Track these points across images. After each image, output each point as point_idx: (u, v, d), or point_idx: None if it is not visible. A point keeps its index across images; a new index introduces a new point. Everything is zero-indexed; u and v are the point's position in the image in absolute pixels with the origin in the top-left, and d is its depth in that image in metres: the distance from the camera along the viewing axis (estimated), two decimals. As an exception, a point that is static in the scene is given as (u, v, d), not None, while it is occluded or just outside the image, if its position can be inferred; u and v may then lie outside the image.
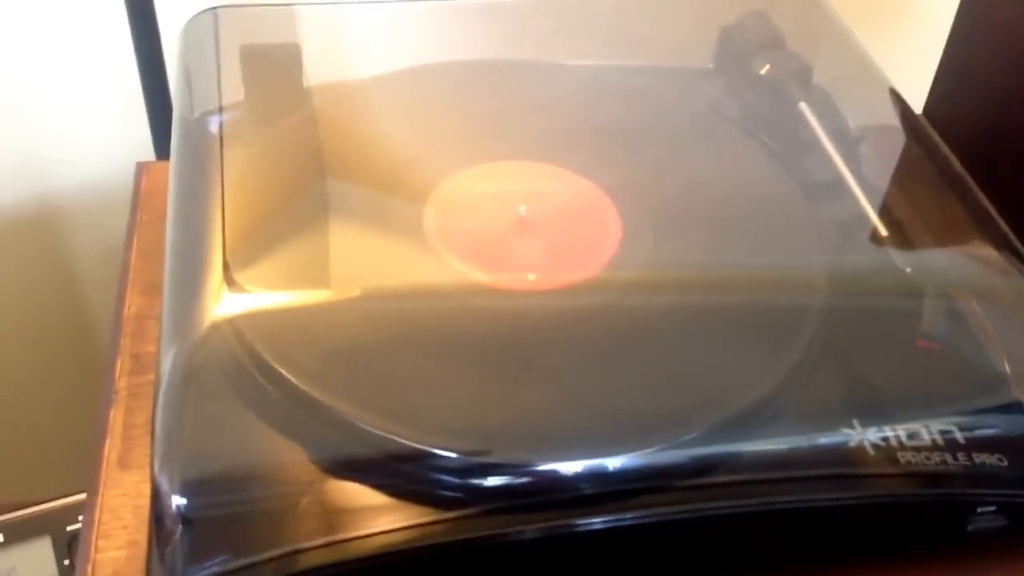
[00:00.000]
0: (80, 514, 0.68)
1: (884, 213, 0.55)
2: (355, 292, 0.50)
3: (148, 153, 0.82)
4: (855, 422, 0.45)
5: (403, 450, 0.43)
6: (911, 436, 0.45)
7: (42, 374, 1.05)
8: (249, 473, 0.43)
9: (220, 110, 0.57)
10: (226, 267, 0.48)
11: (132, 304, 0.59)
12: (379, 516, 0.42)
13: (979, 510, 0.46)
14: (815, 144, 0.58)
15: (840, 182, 0.56)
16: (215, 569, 0.41)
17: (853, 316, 0.51)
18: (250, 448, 0.43)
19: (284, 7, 0.66)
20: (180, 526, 0.41)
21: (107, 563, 0.47)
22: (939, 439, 0.46)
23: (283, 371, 0.45)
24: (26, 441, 1.08)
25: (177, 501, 0.41)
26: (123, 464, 0.51)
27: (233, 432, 0.44)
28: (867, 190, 0.56)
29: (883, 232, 0.54)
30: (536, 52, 0.66)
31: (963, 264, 0.54)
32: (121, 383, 0.54)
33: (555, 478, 0.43)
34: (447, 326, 0.49)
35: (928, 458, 0.45)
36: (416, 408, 0.45)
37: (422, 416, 0.44)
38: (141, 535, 0.48)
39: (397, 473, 0.43)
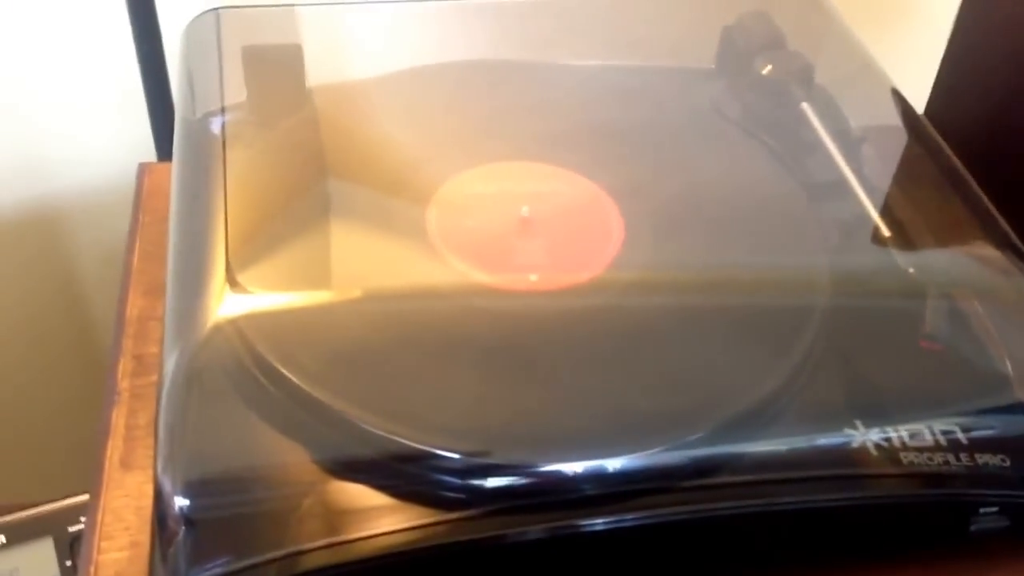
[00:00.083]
0: (82, 515, 0.68)
1: (886, 213, 0.55)
2: (357, 293, 0.50)
3: (149, 154, 0.82)
4: (857, 422, 0.45)
5: (405, 451, 0.43)
6: (913, 436, 0.45)
7: (44, 375, 1.05)
8: (252, 474, 0.43)
9: (222, 111, 0.58)
10: (228, 268, 0.48)
11: (134, 305, 0.59)
12: (381, 517, 0.42)
13: (981, 511, 0.46)
14: (817, 144, 0.58)
15: (842, 182, 0.56)
16: (218, 570, 0.41)
17: (855, 316, 0.51)
18: (253, 449, 0.43)
19: (286, 8, 0.66)
20: (183, 527, 0.41)
21: (109, 564, 0.47)
22: (941, 439, 0.46)
23: (286, 372, 0.45)
24: (28, 442, 1.08)
25: (180, 502, 0.41)
26: (125, 465, 0.51)
27: (236, 433, 0.44)
28: (869, 190, 0.56)
29: (885, 232, 0.54)
30: (538, 52, 0.66)
31: (965, 264, 0.54)
32: (123, 384, 0.54)
33: (557, 479, 0.43)
34: (449, 327, 0.49)
35: (930, 458, 0.45)
36: (419, 409, 0.45)
37: (425, 417, 0.44)
38: (143, 536, 0.48)
39: (399, 474, 0.43)
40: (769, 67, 0.62)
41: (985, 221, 0.55)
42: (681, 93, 0.64)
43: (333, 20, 0.67)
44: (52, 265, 0.99)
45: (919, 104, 0.68)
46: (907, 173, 0.59)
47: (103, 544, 0.48)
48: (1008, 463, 0.46)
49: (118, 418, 0.53)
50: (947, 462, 0.45)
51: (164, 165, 0.67)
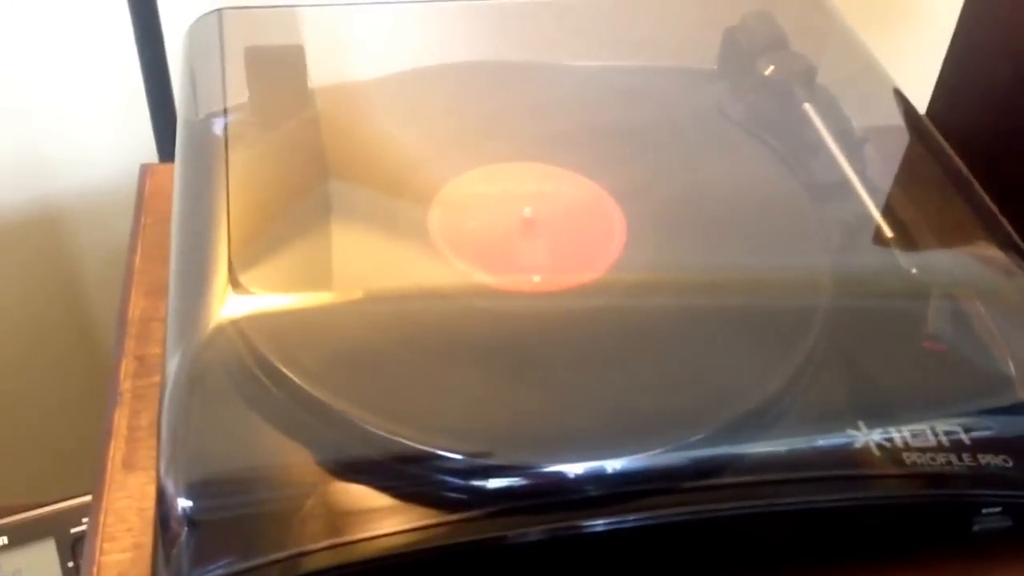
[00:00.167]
0: (84, 516, 0.68)
1: (888, 214, 0.55)
2: (359, 294, 0.50)
3: (151, 155, 0.82)
4: (860, 423, 0.45)
5: (408, 452, 0.43)
6: (916, 437, 0.45)
7: (46, 376, 1.05)
8: (254, 475, 0.43)
9: (224, 112, 0.58)
10: (231, 269, 0.48)
11: (136, 306, 0.59)
12: (384, 518, 0.42)
13: (984, 511, 0.46)
14: (819, 145, 0.58)
15: (844, 183, 0.56)
16: (220, 571, 0.41)
17: (858, 317, 0.51)
18: (255, 450, 0.43)
19: (288, 9, 0.66)
20: (185, 528, 0.41)
21: (112, 566, 0.47)
22: (944, 440, 0.46)
23: (288, 373, 0.45)
24: (30, 442, 1.08)
25: (183, 503, 0.41)
26: (128, 466, 0.51)
27: (238, 434, 0.44)
28: (871, 191, 0.56)
29: (888, 233, 0.54)
30: (540, 53, 0.66)
31: (967, 265, 0.54)
32: (125, 385, 0.54)
33: (560, 480, 0.43)
34: (452, 328, 0.49)
35: (933, 459, 0.45)
36: (421, 410, 0.45)
37: (427, 418, 0.44)
38: (146, 537, 0.48)
39: (402, 475, 0.43)
40: (771, 68, 0.62)
41: (987, 221, 0.55)
42: (683, 94, 0.64)
43: (335, 21, 0.67)
44: (54, 266, 0.99)
45: (921, 105, 0.68)
46: (909, 174, 0.59)
47: (105, 545, 0.48)
48: (1011, 463, 0.46)
49: (120, 419, 0.53)
50: (950, 462, 0.45)
51: (166, 166, 0.67)
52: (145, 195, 0.66)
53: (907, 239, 0.54)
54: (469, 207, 0.54)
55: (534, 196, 0.55)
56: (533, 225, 0.53)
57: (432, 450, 0.43)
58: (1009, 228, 0.54)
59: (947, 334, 0.50)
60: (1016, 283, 0.52)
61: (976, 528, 0.47)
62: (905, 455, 0.45)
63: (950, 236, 0.56)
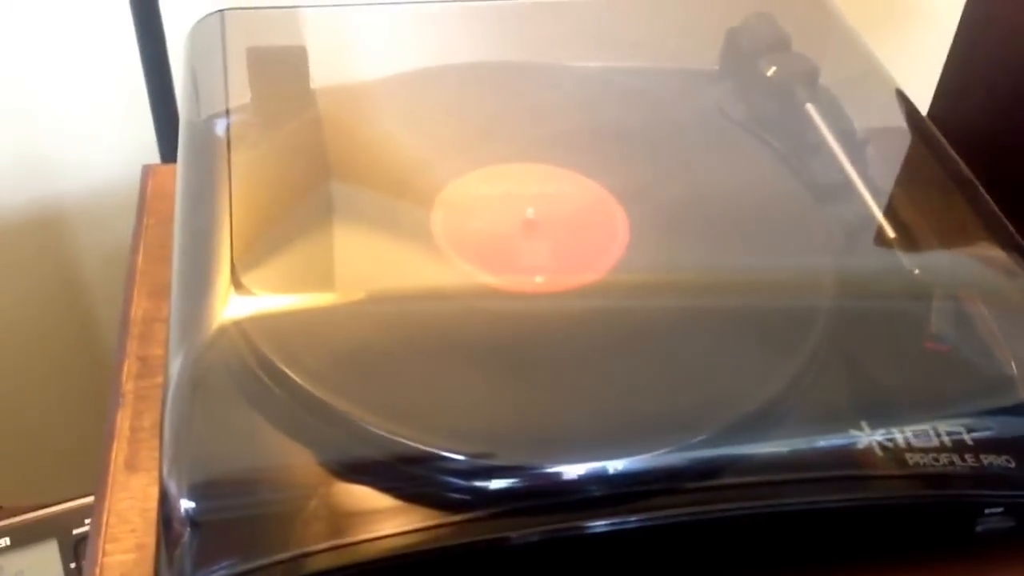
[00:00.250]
0: (87, 517, 0.68)
1: (890, 214, 0.55)
2: (362, 295, 0.50)
3: (153, 156, 0.82)
4: (863, 423, 0.45)
5: (411, 453, 0.43)
6: (919, 437, 0.45)
7: (47, 376, 1.05)
8: (257, 476, 0.43)
9: (227, 112, 0.58)
10: (233, 270, 0.48)
11: (139, 307, 0.59)
12: (387, 519, 0.42)
13: (987, 511, 0.46)
14: (821, 146, 0.58)
15: (846, 184, 0.56)
16: (223, 572, 0.41)
17: (860, 318, 0.51)
18: (258, 451, 0.44)
19: (290, 10, 0.66)
20: (188, 529, 0.41)
21: (115, 567, 0.47)
22: (947, 440, 0.46)
23: (291, 374, 0.45)
24: (32, 443, 1.08)
25: (185, 504, 0.41)
26: (130, 467, 0.51)
27: (241, 435, 0.44)
28: (874, 192, 0.56)
29: (890, 234, 0.54)
30: (542, 54, 0.66)
31: (970, 265, 0.54)
32: (128, 386, 0.54)
33: (563, 481, 0.43)
34: (454, 328, 0.49)
35: (936, 459, 0.45)
36: (424, 411, 0.45)
37: (430, 419, 0.44)
38: (149, 538, 0.48)
39: (405, 476, 0.43)
40: (773, 69, 0.62)
41: (989, 222, 0.55)
42: (685, 94, 0.64)
43: (337, 22, 0.67)
44: (56, 266, 0.99)
45: (923, 105, 0.68)
46: (911, 174, 0.59)
47: (108, 547, 0.48)
48: (1013, 464, 0.46)
49: (123, 420, 0.53)
50: (952, 463, 0.45)
51: (168, 167, 0.67)
52: (147, 196, 0.66)
53: (909, 240, 0.54)
54: (471, 208, 0.54)
55: (536, 197, 0.55)
56: (535, 226, 0.53)
57: (435, 451, 0.43)
58: (1011, 228, 0.54)
59: (950, 335, 0.50)
60: (1018, 283, 0.52)
61: (979, 529, 0.47)
62: (908, 456, 0.45)
63: (952, 237, 0.56)
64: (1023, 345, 0.49)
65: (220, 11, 0.64)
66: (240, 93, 0.59)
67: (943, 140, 0.59)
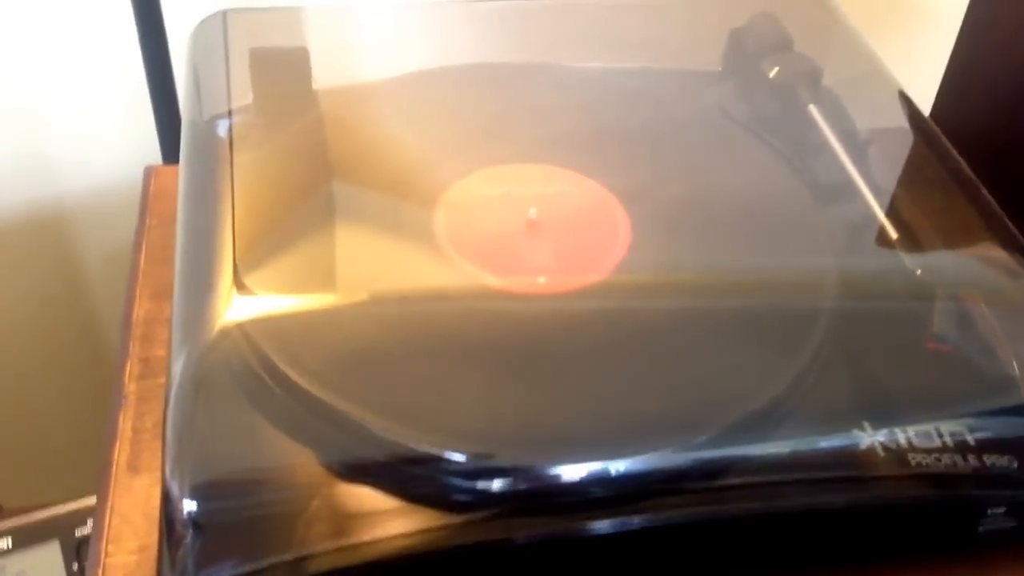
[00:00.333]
0: (89, 518, 0.68)
1: (893, 215, 0.55)
2: (365, 295, 0.50)
3: (154, 157, 0.82)
4: (865, 424, 0.45)
5: (413, 454, 0.43)
6: (921, 438, 0.45)
7: (49, 377, 1.05)
8: (259, 477, 0.43)
9: (229, 113, 0.58)
10: (236, 271, 0.48)
11: (141, 308, 0.59)
12: (390, 520, 0.42)
13: (989, 511, 0.46)
14: (824, 146, 0.58)
15: (849, 184, 0.56)
16: (226, 573, 0.41)
17: (863, 318, 0.51)
18: (260, 452, 0.44)
19: (293, 10, 0.66)
20: (191, 530, 0.41)
21: (117, 568, 0.47)
22: (949, 441, 0.46)
23: (293, 375, 0.45)
24: (34, 444, 1.08)
25: (188, 506, 0.41)
26: (132, 468, 0.51)
27: (243, 436, 0.44)
28: (876, 192, 0.56)
29: (892, 234, 0.54)
30: (545, 55, 0.66)
31: (972, 266, 0.54)
32: (130, 387, 0.54)
33: (565, 481, 0.43)
34: (457, 329, 0.49)
35: (938, 460, 0.45)
36: (426, 411, 0.45)
37: (432, 419, 0.44)
38: (151, 540, 0.48)
39: (408, 477, 0.43)
40: (776, 69, 0.62)
41: (992, 223, 0.55)
42: (688, 95, 0.64)
43: (340, 23, 0.67)
44: (58, 267, 0.99)
45: (926, 106, 0.68)
46: (914, 175, 0.59)
47: (110, 548, 0.48)
48: (1016, 464, 0.46)
49: (125, 421, 0.53)
50: (955, 463, 0.45)
51: (170, 168, 0.67)
52: (149, 196, 0.66)
53: (912, 240, 0.54)
54: (474, 209, 0.54)
55: (539, 198, 0.55)
56: (538, 227, 0.53)
57: (438, 452, 0.43)
58: (1014, 229, 0.54)
59: (952, 335, 0.50)
60: (1021, 284, 0.52)
61: (981, 529, 0.47)
62: (910, 456, 0.45)
63: (955, 237, 0.56)
64: (1026, 345, 0.49)
65: (222, 12, 0.64)
66: (242, 94, 0.59)
67: (945, 140, 0.59)
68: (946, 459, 0.45)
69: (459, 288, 0.51)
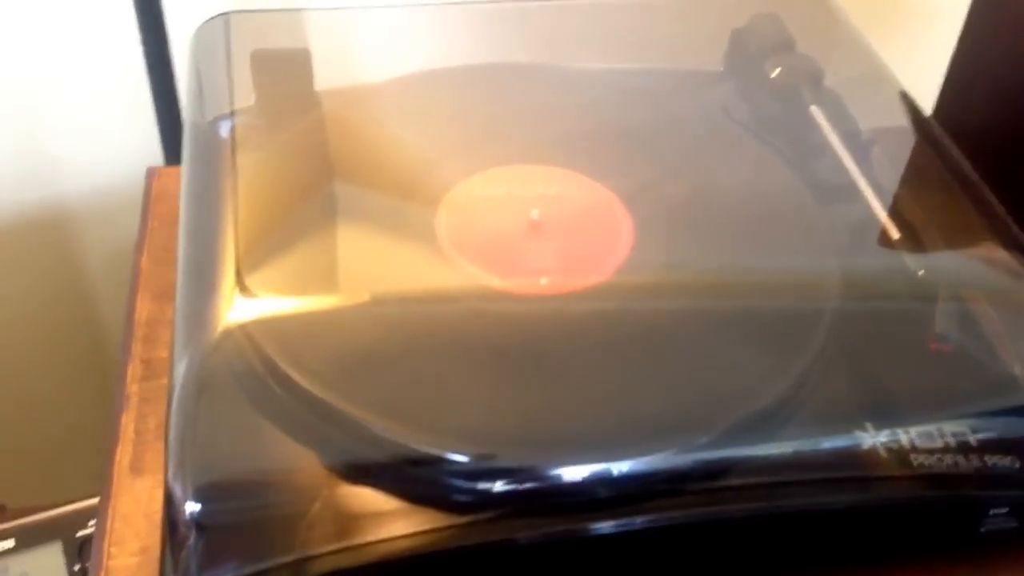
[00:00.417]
0: (91, 519, 0.68)
1: (896, 215, 0.55)
2: (367, 297, 0.50)
3: (156, 158, 0.82)
4: (868, 425, 0.45)
5: (416, 455, 0.43)
6: (924, 438, 0.45)
7: (51, 378, 1.05)
8: (262, 479, 0.43)
9: (231, 115, 0.58)
10: (239, 272, 0.48)
11: (143, 309, 0.59)
12: (392, 521, 0.42)
13: (991, 512, 0.46)
14: (826, 147, 0.58)
15: (851, 185, 0.56)
16: (228, 575, 0.41)
17: (865, 319, 0.51)
18: (263, 454, 0.43)
19: (294, 12, 0.66)
20: (193, 532, 0.41)
21: (120, 570, 0.47)
22: (952, 441, 0.46)
23: (296, 376, 0.45)
24: (36, 445, 1.08)
25: (191, 507, 0.41)
26: (135, 469, 0.51)
27: (246, 438, 0.44)
28: (878, 193, 0.56)
29: (895, 235, 0.54)
30: (546, 55, 0.66)
31: (975, 266, 0.54)
32: (132, 388, 0.54)
33: (568, 482, 0.43)
34: (460, 330, 0.49)
35: (940, 460, 0.45)
36: (429, 412, 0.45)
37: (435, 421, 0.44)
38: (153, 541, 0.48)
39: (411, 478, 0.43)
40: (778, 70, 0.62)
41: (995, 223, 0.55)
42: (690, 96, 0.64)
43: (342, 24, 0.67)
44: (60, 268, 0.99)
45: (928, 106, 0.68)
46: (916, 175, 0.59)
47: (113, 549, 0.48)
48: (1018, 465, 0.46)
49: (127, 422, 0.53)
50: (957, 464, 0.45)
51: (172, 169, 0.67)
52: (151, 198, 0.66)
53: (914, 241, 0.54)
54: (476, 210, 0.54)
55: (541, 199, 0.55)
56: (540, 228, 0.53)
57: (440, 453, 0.43)
58: (1016, 229, 0.54)
59: (954, 335, 0.50)
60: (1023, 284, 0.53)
61: (983, 530, 0.47)
62: (912, 456, 0.45)
63: (957, 238, 0.56)
64: (1028, 346, 0.49)
65: (224, 14, 0.64)
66: (244, 95, 0.59)
67: (948, 141, 0.59)
68: (948, 459, 0.45)
69: (461, 289, 0.51)
